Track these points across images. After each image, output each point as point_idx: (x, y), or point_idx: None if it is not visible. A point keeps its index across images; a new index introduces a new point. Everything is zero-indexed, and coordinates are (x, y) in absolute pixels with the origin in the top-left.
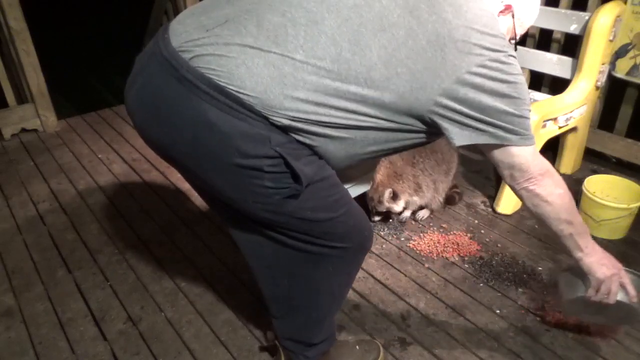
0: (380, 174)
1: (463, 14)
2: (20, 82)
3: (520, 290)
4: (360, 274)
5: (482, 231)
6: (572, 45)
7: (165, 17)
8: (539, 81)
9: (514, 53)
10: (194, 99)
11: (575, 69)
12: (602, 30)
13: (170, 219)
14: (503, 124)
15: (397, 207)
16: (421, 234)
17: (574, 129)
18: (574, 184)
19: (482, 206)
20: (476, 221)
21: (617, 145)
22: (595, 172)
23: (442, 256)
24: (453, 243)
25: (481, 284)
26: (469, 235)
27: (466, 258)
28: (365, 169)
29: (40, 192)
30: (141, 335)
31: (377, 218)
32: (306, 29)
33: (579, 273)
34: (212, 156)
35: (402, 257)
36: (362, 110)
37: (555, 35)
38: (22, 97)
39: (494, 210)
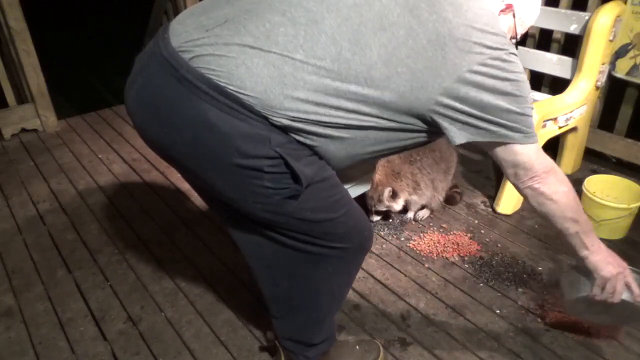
0: (378, 173)
1: (463, 13)
2: (20, 82)
3: (520, 290)
4: (360, 274)
5: (482, 231)
6: (572, 45)
7: (165, 17)
8: (539, 81)
9: (515, 51)
10: (193, 99)
11: (575, 69)
12: (602, 30)
13: (170, 219)
14: (505, 122)
15: (397, 205)
16: (421, 234)
17: (574, 129)
18: (574, 184)
19: (482, 206)
20: (476, 221)
21: (617, 145)
22: (595, 172)
23: (442, 256)
24: (453, 243)
25: (481, 284)
26: (469, 235)
27: (466, 258)
28: (365, 169)
29: (40, 192)
30: (141, 335)
31: (376, 218)
32: (306, 29)
33: (583, 273)
34: (212, 156)
35: (402, 257)
36: (363, 110)
37: (555, 35)
38: (22, 97)
39: (494, 210)
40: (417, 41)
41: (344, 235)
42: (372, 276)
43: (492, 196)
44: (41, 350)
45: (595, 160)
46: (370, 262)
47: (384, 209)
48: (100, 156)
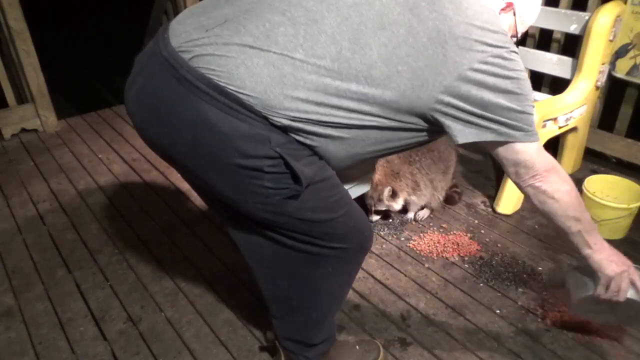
0: (378, 173)
1: (464, 11)
2: (20, 82)
3: (520, 290)
4: (360, 274)
5: (482, 231)
6: (572, 45)
7: (165, 17)
8: (539, 81)
9: (516, 49)
10: (193, 99)
11: (575, 69)
12: (602, 30)
13: (170, 219)
14: (506, 121)
15: (397, 205)
16: (421, 234)
17: (574, 129)
18: (574, 184)
19: (482, 206)
20: (476, 221)
21: (617, 145)
22: (595, 172)
23: (442, 256)
24: (453, 243)
25: (481, 284)
26: (469, 235)
27: (466, 258)
28: (365, 170)
29: (40, 192)
30: (141, 335)
31: (375, 218)
32: (306, 28)
33: (587, 272)
34: (212, 156)
35: (402, 257)
36: (363, 109)
37: (555, 35)
38: (22, 97)
39: (494, 210)
40: (417, 39)
41: (344, 235)
42: (372, 276)
43: (492, 196)
44: (41, 350)
45: (595, 160)
46: (370, 262)
47: (384, 209)
48: (100, 156)
